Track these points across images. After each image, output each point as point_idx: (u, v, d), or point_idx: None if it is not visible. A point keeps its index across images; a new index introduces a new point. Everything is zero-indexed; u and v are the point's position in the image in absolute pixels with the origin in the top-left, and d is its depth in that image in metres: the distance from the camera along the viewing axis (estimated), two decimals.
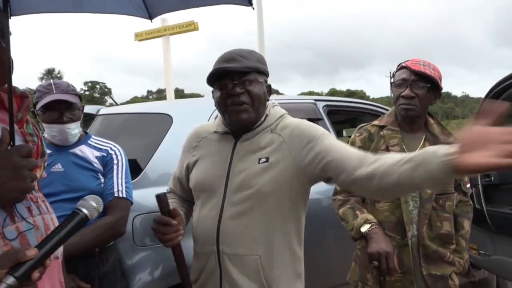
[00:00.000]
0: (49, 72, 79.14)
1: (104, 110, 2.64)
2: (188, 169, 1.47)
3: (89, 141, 1.95)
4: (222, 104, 1.35)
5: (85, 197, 0.90)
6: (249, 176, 1.32)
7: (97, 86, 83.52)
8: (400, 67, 1.78)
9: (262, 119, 1.39)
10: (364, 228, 1.68)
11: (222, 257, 1.33)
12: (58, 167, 1.84)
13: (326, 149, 1.27)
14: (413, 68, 1.71)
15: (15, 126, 1.13)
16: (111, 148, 1.95)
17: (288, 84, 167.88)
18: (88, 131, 2.40)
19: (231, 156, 1.38)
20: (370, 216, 1.72)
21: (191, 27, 8.18)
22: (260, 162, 1.33)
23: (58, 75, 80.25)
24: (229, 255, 1.32)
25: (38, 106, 1.82)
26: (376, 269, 1.62)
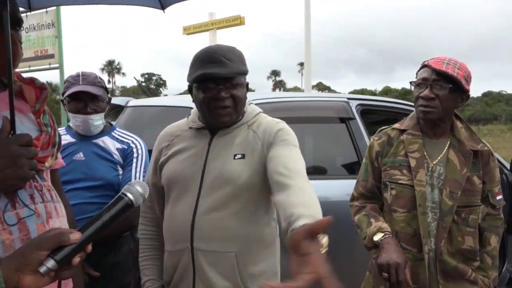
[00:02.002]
0: (110, 64, 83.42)
1: (132, 102, 2.70)
2: (161, 169, 1.44)
3: (112, 133, 2.00)
4: (204, 106, 1.34)
5: (131, 182, 0.87)
6: (225, 171, 1.31)
7: (153, 78, 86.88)
8: (422, 66, 1.64)
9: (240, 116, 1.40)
10: (376, 237, 1.58)
11: (196, 254, 1.30)
12: (80, 156, 1.91)
13: (276, 157, 1.26)
14: (434, 67, 1.57)
15: (32, 116, 1.17)
16: (132, 142, 1.99)
17: (341, 81, 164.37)
18: (116, 122, 2.48)
19: (207, 152, 1.36)
20: (384, 225, 1.61)
21: (237, 21, 8.23)
22: (236, 157, 1.33)
23: (118, 66, 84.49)
24: (203, 252, 1.30)
25: (65, 95, 1.90)
26: (387, 281, 1.53)
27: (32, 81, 1.16)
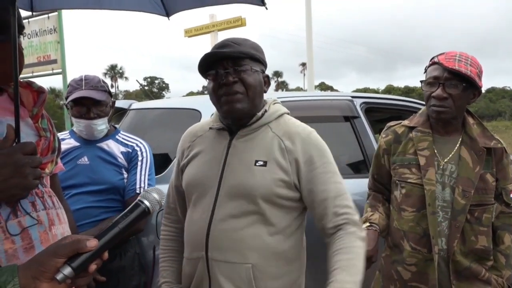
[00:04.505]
0: (112, 68, 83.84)
1: (136, 104, 2.68)
2: (183, 172, 1.37)
3: (117, 136, 1.98)
4: (214, 95, 1.25)
5: (147, 189, 0.87)
6: (245, 178, 1.22)
7: (156, 81, 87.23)
8: (433, 62, 1.57)
9: (260, 114, 1.28)
10: (363, 227, 1.60)
11: (211, 264, 1.22)
12: (84, 160, 1.89)
13: (316, 182, 1.23)
14: (446, 65, 1.50)
15: (30, 121, 1.14)
16: (137, 145, 1.97)
17: (342, 81, 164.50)
18: (119, 125, 2.46)
19: (226, 155, 1.27)
20: (374, 216, 1.65)
21: (238, 23, 8.23)
22: (257, 164, 1.22)
23: (121, 71, 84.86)
24: (218, 262, 1.21)
25: (68, 100, 1.88)
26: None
27: (29, 85, 1.12)
